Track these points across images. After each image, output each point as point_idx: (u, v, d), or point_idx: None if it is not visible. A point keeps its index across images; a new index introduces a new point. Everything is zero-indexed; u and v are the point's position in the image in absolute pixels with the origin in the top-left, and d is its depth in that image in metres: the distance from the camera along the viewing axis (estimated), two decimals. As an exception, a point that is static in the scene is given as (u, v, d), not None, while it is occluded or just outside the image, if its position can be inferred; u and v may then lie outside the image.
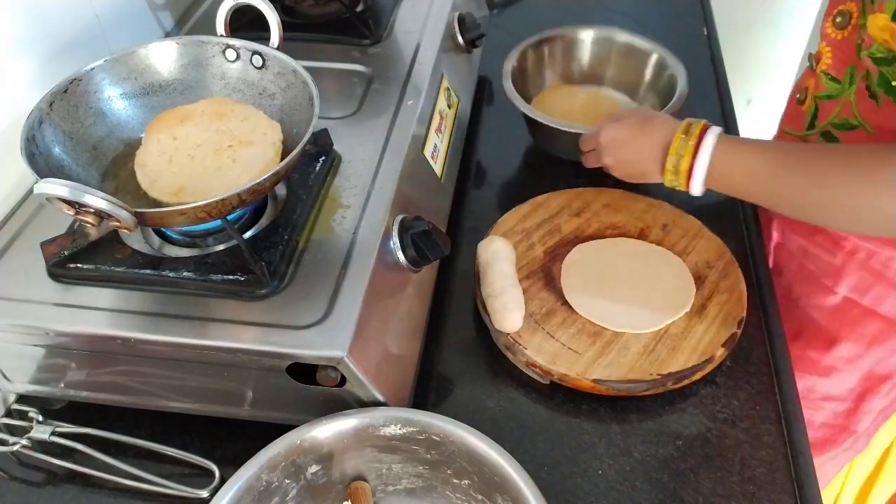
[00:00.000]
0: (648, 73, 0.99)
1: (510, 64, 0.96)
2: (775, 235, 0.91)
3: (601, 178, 0.92)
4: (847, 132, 0.75)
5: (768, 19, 1.77)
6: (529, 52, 1.00)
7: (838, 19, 0.74)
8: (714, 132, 0.70)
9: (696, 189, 0.72)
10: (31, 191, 0.70)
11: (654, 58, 0.98)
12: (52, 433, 0.66)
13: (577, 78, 1.04)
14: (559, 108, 0.99)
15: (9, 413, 0.69)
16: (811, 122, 0.80)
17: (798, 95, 0.84)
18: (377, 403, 0.60)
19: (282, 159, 0.60)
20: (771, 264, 0.88)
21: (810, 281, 0.85)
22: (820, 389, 0.88)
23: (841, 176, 0.63)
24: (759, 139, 0.70)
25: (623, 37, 1.01)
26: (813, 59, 0.80)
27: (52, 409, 0.69)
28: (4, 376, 0.66)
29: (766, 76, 1.81)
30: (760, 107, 1.85)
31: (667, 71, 0.96)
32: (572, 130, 0.87)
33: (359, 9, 0.91)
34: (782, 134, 0.87)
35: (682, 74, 0.93)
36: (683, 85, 0.92)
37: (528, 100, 0.97)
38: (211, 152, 0.64)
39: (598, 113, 0.96)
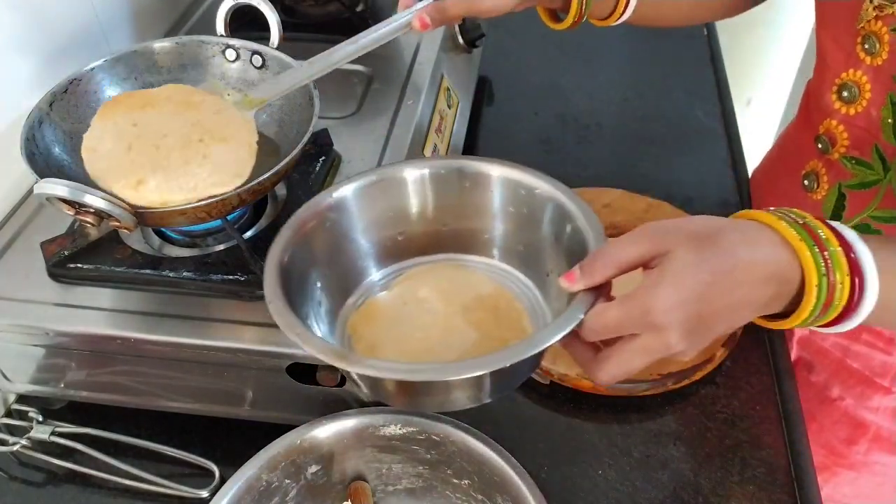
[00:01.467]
0: (545, 227, 0.57)
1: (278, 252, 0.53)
2: (797, 332, 0.79)
3: (601, 178, 0.92)
4: (892, 225, 0.63)
5: (768, 19, 1.77)
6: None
7: (844, 93, 0.64)
8: (850, 231, 0.45)
9: (854, 323, 0.46)
10: (30, 191, 0.70)
11: (548, 206, 0.56)
12: (52, 433, 0.66)
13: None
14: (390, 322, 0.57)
15: (9, 413, 0.69)
16: (835, 214, 0.67)
17: (805, 182, 0.70)
18: (377, 403, 0.60)
19: (282, 159, 0.60)
20: (794, 356, 0.80)
21: (858, 381, 0.76)
22: None
23: None
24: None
25: (473, 166, 0.59)
26: (825, 140, 0.67)
27: (51, 409, 0.69)
28: (4, 376, 0.66)
29: (767, 76, 1.81)
30: (760, 107, 1.85)
31: (567, 224, 0.54)
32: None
33: (359, 9, 0.91)
34: None
35: (593, 229, 0.52)
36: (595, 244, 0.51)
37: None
38: (179, 145, 0.58)
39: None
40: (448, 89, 0.88)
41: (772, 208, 0.47)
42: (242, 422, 0.66)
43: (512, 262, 0.60)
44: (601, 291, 0.47)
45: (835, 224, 0.45)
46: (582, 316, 0.46)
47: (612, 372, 0.46)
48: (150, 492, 0.63)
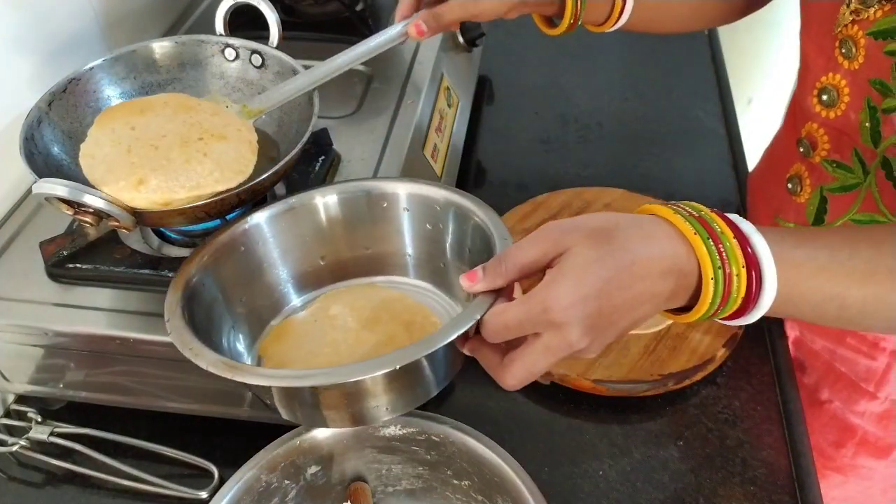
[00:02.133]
0: (455, 238, 0.58)
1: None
2: (790, 333, 0.79)
3: (601, 178, 0.92)
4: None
5: (768, 19, 1.77)
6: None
7: (824, 97, 0.64)
8: (747, 223, 0.45)
9: (756, 315, 0.46)
10: (29, 190, 0.70)
11: (452, 215, 0.58)
12: (51, 433, 0.66)
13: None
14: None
15: (7, 413, 0.69)
16: (818, 217, 0.67)
17: (789, 185, 0.71)
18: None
19: (281, 159, 0.60)
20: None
21: (845, 385, 0.76)
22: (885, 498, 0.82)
23: None
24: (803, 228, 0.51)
25: (379, 187, 0.61)
26: (806, 143, 0.67)
27: (50, 410, 0.69)
28: (3, 376, 0.66)
29: (767, 76, 1.81)
30: (761, 107, 1.85)
31: (473, 232, 0.56)
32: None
33: (358, 8, 0.91)
34: (775, 224, 0.74)
35: (497, 232, 0.53)
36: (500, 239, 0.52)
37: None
38: (178, 143, 0.58)
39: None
40: (448, 89, 0.88)
41: (670, 202, 0.47)
42: (242, 422, 0.66)
43: (431, 280, 0.61)
44: (503, 293, 0.47)
45: (732, 217, 0.45)
46: (479, 315, 0.45)
47: (518, 375, 0.46)
48: (150, 492, 0.63)
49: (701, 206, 0.46)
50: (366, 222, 0.60)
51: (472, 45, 0.97)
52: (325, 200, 0.60)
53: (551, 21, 0.73)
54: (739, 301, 0.44)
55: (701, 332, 0.71)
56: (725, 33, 1.21)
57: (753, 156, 0.97)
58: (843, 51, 0.60)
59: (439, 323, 0.57)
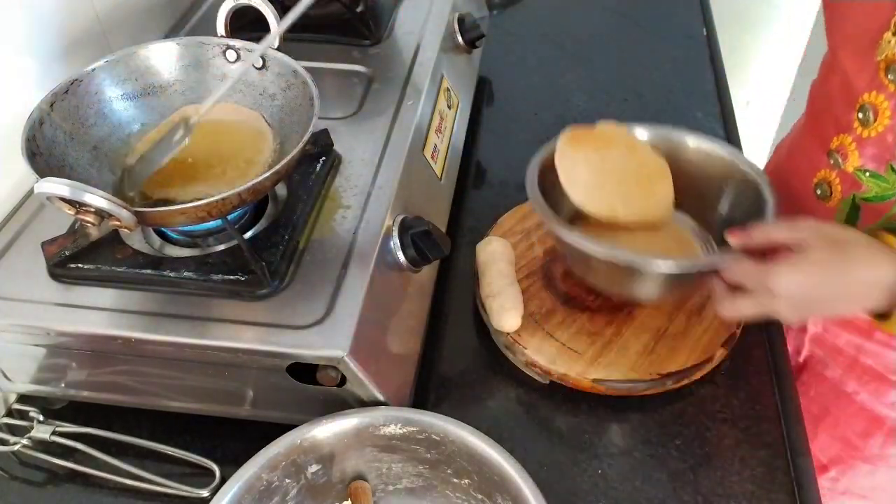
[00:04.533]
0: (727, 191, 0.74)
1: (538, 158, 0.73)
2: (811, 329, 0.83)
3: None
4: None
5: (768, 19, 1.77)
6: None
7: (860, 115, 0.66)
8: None
9: None
10: (31, 191, 0.70)
11: (733, 170, 0.72)
12: (53, 433, 0.66)
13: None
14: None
15: (9, 413, 0.69)
16: (850, 223, 0.70)
17: (818, 191, 0.73)
18: (377, 403, 0.61)
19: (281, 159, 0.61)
20: (806, 355, 0.84)
21: (872, 378, 0.78)
22: None
23: None
24: None
25: (693, 142, 0.75)
26: (836, 155, 0.69)
27: (52, 409, 0.69)
28: (5, 376, 0.66)
29: (766, 77, 1.81)
30: (759, 108, 1.85)
31: (750, 186, 0.70)
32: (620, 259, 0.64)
33: (359, 9, 0.91)
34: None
35: (769, 192, 0.68)
36: (771, 208, 0.66)
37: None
38: (633, 180, 0.71)
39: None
40: (448, 89, 0.88)
41: None
42: (243, 421, 0.66)
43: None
44: (752, 251, 0.61)
45: None
46: (732, 257, 0.62)
47: (729, 308, 0.61)
48: (151, 491, 0.63)
49: None
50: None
51: (472, 46, 0.98)
52: None
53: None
54: None
55: (700, 331, 0.72)
56: (724, 34, 1.22)
57: (752, 157, 0.97)
58: (890, 77, 0.62)
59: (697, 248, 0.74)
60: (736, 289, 0.61)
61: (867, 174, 0.66)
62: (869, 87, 0.65)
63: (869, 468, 0.83)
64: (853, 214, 0.69)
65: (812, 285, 0.57)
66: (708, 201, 0.75)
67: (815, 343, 0.83)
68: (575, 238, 0.65)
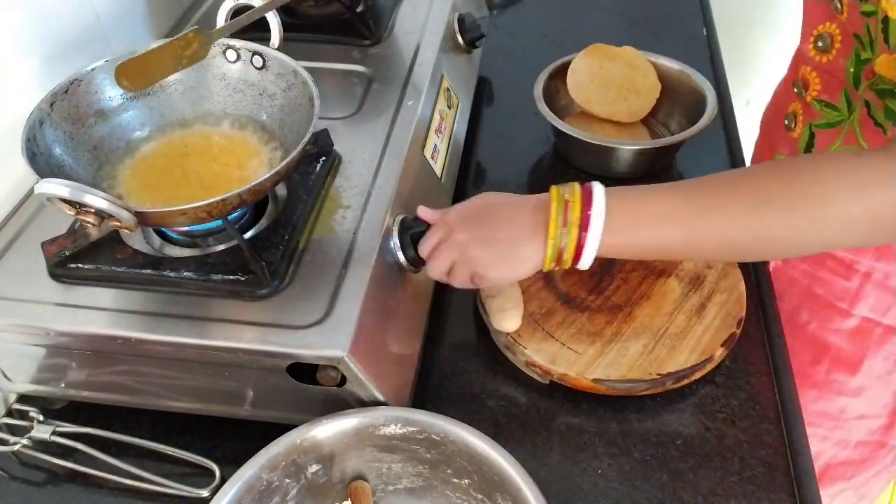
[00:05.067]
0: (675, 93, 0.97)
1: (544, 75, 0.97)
2: (771, 263, 0.87)
3: (602, 181, 0.92)
4: None
5: (768, 19, 1.77)
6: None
7: (819, 43, 0.73)
8: (598, 186, 0.59)
9: (589, 256, 0.59)
10: (31, 191, 0.70)
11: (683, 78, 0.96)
12: (53, 433, 0.66)
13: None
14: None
15: (9, 413, 0.69)
16: (807, 150, 0.77)
17: (786, 121, 0.81)
18: (377, 403, 0.61)
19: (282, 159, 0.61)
20: None
21: (822, 305, 0.84)
22: (852, 410, 0.89)
23: (835, 185, 0.53)
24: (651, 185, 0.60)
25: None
26: (800, 84, 0.77)
27: (52, 409, 0.69)
28: (5, 376, 0.66)
29: (766, 77, 1.81)
30: (759, 108, 1.85)
31: (694, 91, 0.95)
32: (603, 144, 0.89)
33: (359, 9, 0.91)
34: (772, 158, 0.84)
35: (711, 94, 0.92)
36: (712, 106, 0.90)
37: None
38: (615, 87, 0.93)
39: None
40: (448, 89, 0.88)
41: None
42: (243, 421, 0.66)
43: None
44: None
45: (593, 184, 0.59)
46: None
47: (432, 265, 0.65)
48: (151, 491, 0.63)
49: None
50: None
51: (472, 46, 0.98)
52: None
53: None
54: (576, 225, 0.58)
55: (700, 331, 0.72)
56: (724, 34, 1.22)
57: (752, 156, 0.97)
58: (836, 4, 0.69)
59: None
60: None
61: (822, 104, 0.73)
62: (823, 18, 0.72)
63: (815, 393, 0.88)
64: (810, 142, 0.76)
65: (481, 207, 0.63)
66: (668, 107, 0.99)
67: (774, 276, 0.85)
68: (557, 121, 0.91)
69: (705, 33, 1.20)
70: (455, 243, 0.62)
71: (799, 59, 0.80)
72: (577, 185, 0.60)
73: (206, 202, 0.55)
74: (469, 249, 0.61)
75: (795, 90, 0.78)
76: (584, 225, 0.58)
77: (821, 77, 0.74)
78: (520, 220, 0.61)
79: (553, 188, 0.60)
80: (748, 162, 0.98)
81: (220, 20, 0.70)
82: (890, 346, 0.83)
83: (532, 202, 0.61)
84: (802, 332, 0.86)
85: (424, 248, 0.65)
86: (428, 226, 0.66)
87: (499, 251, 0.61)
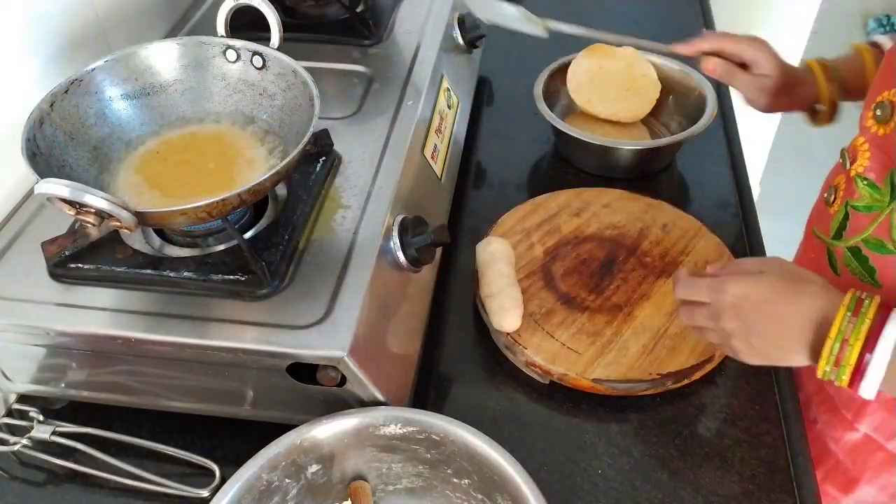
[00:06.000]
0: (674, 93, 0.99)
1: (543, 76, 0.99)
2: None
3: (601, 180, 0.92)
4: (880, 255, 0.64)
5: (768, 19, 1.77)
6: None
7: (878, 112, 0.63)
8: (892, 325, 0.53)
9: (868, 392, 0.55)
10: (31, 191, 0.70)
11: (684, 78, 0.98)
12: (53, 433, 0.66)
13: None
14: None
15: (9, 413, 0.69)
16: (838, 232, 0.69)
17: (826, 194, 0.72)
18: (377, 403, 0.61)
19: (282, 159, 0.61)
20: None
21: (829, 408, 0.77)
22: None
23: None
24: None
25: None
26: (846, 155, 0.68)
27: (52, 409, 0.69)
28: (5, 376, 0.66)
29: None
30: (760, 107, 1.85)
31: (694, 91, 0.96)
32: (601, 144, 0.90)
33: (359, 9, 0.91)
34: (810, 234, 0.76)
35: (711, 94, 0.93)
36: (712, 106, 0.91)
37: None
38: (615, 87, 0.96)
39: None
40: (448, 89, 0.88)
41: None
42: (243, 421, 0.66)
43: None
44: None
45: (893, 313, 0.53)
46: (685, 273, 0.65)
47: (685, 315, 0.63)
48: (151, 491, 0.63)
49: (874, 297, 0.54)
50: None
51: (472, 46, 0.98)
52: None
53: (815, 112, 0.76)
54: (849, 369, 0.53)
55: (700, 331, 0.72)
56: (724, 34, 1.21)
57: (752, 156, 0.97)
58: None
59: None
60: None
61: (864, 181, 0.65)
62: (889, 86, 0.63)
63: None
64: (843, 224, 0.68)
65: (760, 301, 0.57)
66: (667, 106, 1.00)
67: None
68: (557, 121, 0.92)
69: (704, 33, 1.19)
70: (720, 329, 0.60)
71: (858, 128, 0.70)
72: (872, 305, 0.54)
73: (206, 202, 0.55)
74: (732, 339, 0.59)
75: (841, 160, 0.69)
76: (863, 351, 0.53)
77: (871, 151, 0.65)
78: (791, 321, 0.57)
79: (850, 294, 0.55)
80: (748, 164, 0.98)
81: (220, 20, 0.70)
82: (889, 475, 0.75)
83: (811, 308, 0.56)
84: (810, 429, 0.78)
85: (685, 294, 0.63)
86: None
87: (762, 349, 0.59)
